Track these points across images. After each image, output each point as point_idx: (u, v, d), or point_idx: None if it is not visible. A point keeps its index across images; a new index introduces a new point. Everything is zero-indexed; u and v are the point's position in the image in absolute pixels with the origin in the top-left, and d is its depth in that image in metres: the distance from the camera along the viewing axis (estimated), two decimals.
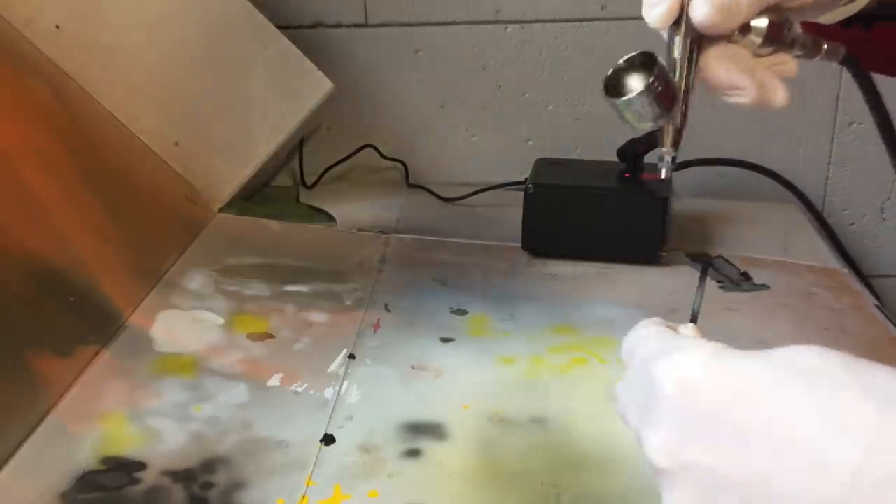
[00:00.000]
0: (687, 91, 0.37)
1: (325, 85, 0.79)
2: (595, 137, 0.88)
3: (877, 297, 0.70)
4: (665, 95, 0.35)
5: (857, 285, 0.70)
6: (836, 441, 0.25)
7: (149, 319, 0.59)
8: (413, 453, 0.48)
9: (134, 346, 0.56)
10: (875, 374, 0.27)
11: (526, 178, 0.72)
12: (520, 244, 0.73)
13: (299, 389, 0.53)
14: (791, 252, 0.74)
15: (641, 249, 0.70)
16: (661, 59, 0.35)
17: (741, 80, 0.37)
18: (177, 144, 0.78)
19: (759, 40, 0.37)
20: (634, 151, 0.71)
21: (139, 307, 0.60)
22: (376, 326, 0.61)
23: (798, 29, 0.40)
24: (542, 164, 0.75)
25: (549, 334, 0.60)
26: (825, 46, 0.41)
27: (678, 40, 0.36)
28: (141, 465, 0.46)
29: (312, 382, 0.54)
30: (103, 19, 0.76)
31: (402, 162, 0.89)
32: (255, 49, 0.78)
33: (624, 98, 0.35)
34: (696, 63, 0.37)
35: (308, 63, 0.79)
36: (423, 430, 0.49)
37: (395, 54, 0.87)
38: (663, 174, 0.39)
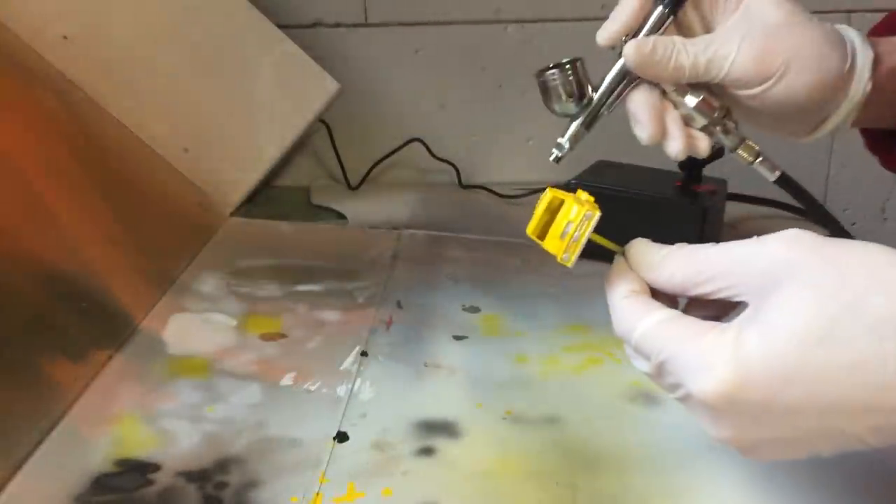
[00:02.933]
0: (600, 105, 0.44)
1: (331, 86, 0.80)
2: (595, 137, 0.87)
3: None
4: (575, 86, 0.43)
5: None
6: (874, 397, 0.31)
7: (161, 323, 0.59)
8: (427, 451, 0.47)
9: (147, 350, 0.56)
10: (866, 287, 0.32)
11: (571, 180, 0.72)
12: (531, 240, 0.72)
13: (312, 388, 0.53)
14: None
15: None
16: (585, 69, 0.44)
17: (645, 117, 0.43)
18: (186, 150, 0.78)
19: (690, 105, 0.43)
20: (693, 162, 0.71)
21: (152, 311, 0.60)
22: (389, 323, 0.61)
23: (736, 130, 0.45)
24: (599, 167, 0.75)
25: (563, 333, 0.60)
26: (761, 159, 0.46)
27: (616, 66, 0.44)
28: (155, 467, 0.45)
29: (325, 380, 0.53)
30: (110, 29, 0.76)
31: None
32: (261, 52, 0.79)
33: (546, 72, 0.43)
34: (623, 91, 0.44)
35: (313, 64, 0.79)
36: (436, 428, 0.49)
37: (395, 54, 0.87)
38: (552, 158, 0.45)
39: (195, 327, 0.59)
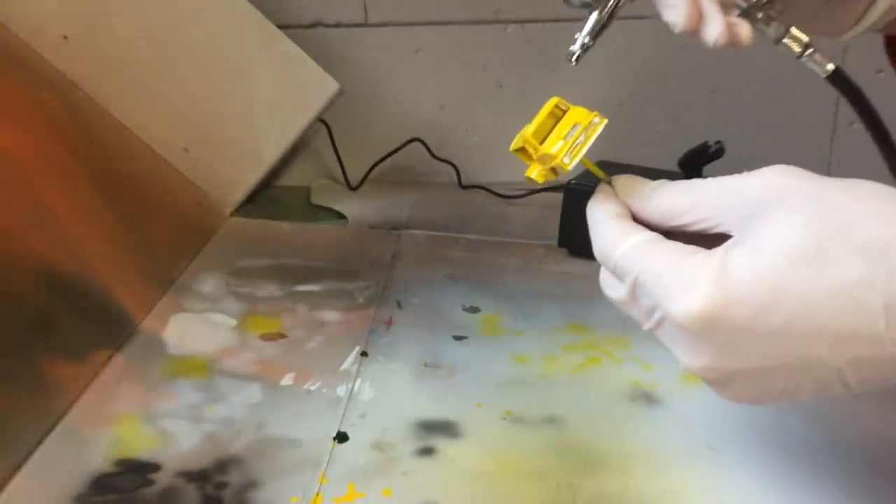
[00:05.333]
0: None
1: (331, 86, 0.80)
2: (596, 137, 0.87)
3: None
4: None
5: None
6: (859, 324, 0.30)
7: (161, 323, 0.59)
8: (427, 451, 0.47)
9: (147, 350, 0.56)
10: (849, 207, 0.32)
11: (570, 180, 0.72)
12: (532, 241, 0.73)
13: (312, 388, 0.53)
14: None
15: None
16: None
17: None
18: (186, 150, 0.79)
19: None
20: (693, 162, 0.70)
21: (152, 311, 0.60)
22: (388, 323, 0.61)
23: (780, 18, 0.41)
24: (599, 167, 0.75)
25: (562, 333, 0.60)
26: (810, 51, 0.41)
27: None
28: (155, 467, 0.45)
29: (325, 381, 0.53)
30: (110, 29, 0.77)
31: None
32: (261, 52, 0.79)
33: None
34: None
35: (313, 64, 0.79)
36: (436, 429, 0.49)
37: (395, 54, 0.87)
38: (574, 60, 0.41)
39: (195, 327, 0.59)
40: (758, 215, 0.33)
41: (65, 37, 0.75)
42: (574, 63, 0.41)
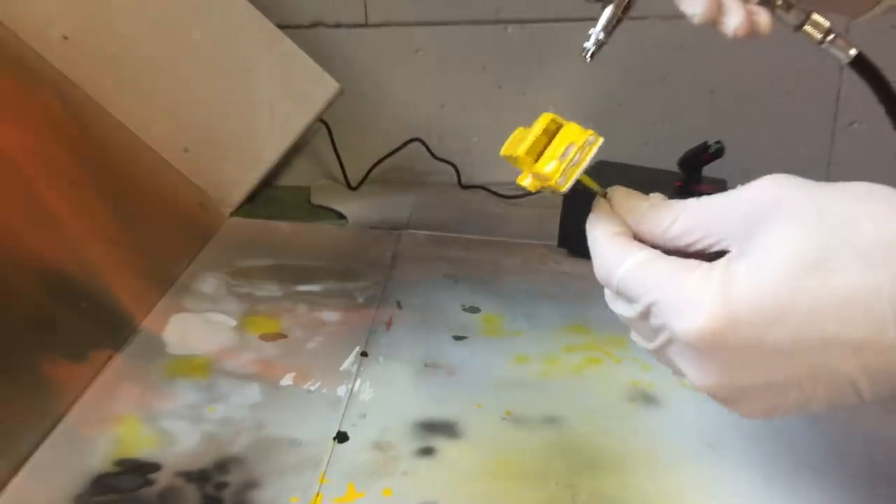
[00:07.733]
0: None
1: (331, 86, 0.80)
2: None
3: None
4: None
5: None
6: (868, 332, 0.30)
7: (161, 323, 0.59)
8: (427, 451, 0.47)
9: (147, 350, 0.56)
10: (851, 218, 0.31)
11: None
12: (532, 241, 0.73)
13: (312, 388, 0.53)
14: None
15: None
16: None
17: None
18: (186, 150, 0.79)
19: None
20: (693, 162, 0.71)
21: (152, 311, 0.60)
22: (388, 324, 0.61)
23: (798, 4, 0.40)
24: (599, 167, 0.75)
25: (562, 333, 0.60)
26: (832, 37, 0.41)
27: None
28: (155, 467, 0.45)
29: (325, 381, 0.53)
30: (110, 29, 0.77)
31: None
32: (261, 52, 0.79)
33: None
34: None
35: (313, 64, 0.79)
36: (436, 429, 0.49)
37: (395, 54, 0.87)
38: (588, 57, 0.40)
39: (195, 327, 0.59)
40: (755, 227, 0.32)
41: (65, 37, 0.75)
42: (589, 60, 0.40)
